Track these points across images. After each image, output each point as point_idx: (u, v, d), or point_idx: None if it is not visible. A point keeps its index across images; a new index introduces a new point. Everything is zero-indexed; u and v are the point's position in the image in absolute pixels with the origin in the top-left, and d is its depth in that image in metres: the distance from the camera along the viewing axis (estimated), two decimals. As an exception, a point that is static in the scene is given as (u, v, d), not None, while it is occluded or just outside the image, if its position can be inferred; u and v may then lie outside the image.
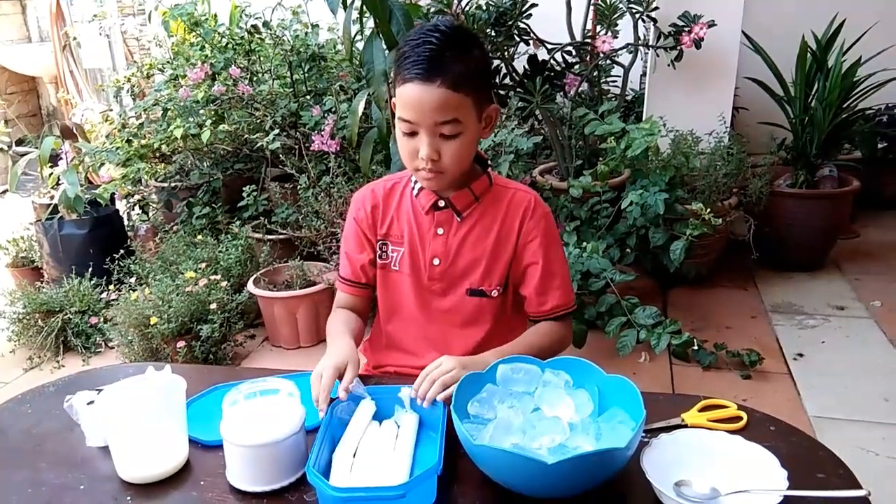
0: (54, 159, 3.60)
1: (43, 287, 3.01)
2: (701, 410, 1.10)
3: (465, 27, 1.42)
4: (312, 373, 1.11)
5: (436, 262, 1.30)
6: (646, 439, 0.97)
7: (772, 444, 0.94)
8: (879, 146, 3.79)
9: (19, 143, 5.58)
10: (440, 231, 1.29)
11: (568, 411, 0.99)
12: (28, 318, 2.82)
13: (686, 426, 1.06)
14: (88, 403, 1.11)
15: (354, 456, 0.98)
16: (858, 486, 0.89)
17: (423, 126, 1.16)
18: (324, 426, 1.00)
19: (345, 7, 2.50)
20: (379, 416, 1.08)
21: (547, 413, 1.00)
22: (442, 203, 1.29)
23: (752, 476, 0.90)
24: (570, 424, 0.97)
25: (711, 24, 2.84)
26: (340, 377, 1.10)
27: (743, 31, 3.08)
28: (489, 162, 1.35)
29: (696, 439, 0.97)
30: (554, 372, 1.05)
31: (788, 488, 0.86)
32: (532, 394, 1.04)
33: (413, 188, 1.32)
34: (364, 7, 2.44)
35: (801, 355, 2.53)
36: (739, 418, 1.08)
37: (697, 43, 2.85)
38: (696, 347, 2.41)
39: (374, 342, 1.45)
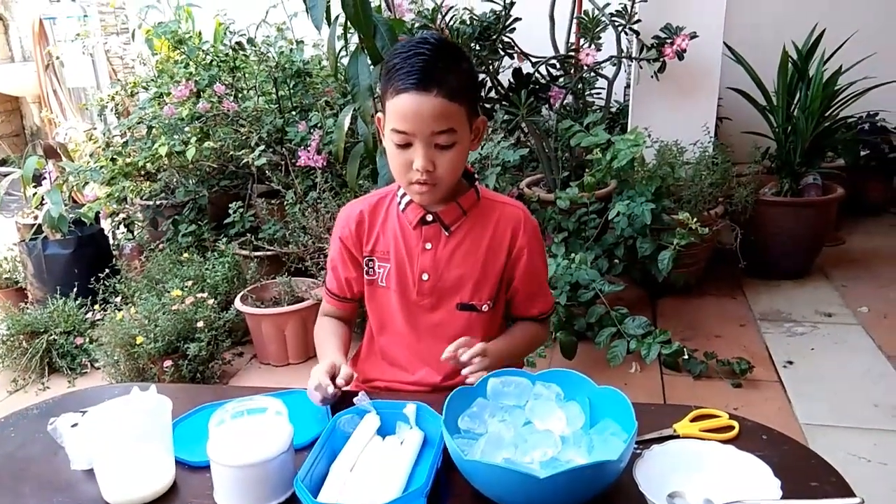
0: (38, 179, 3.57)
1: (27, 308, 2.97)
2: (693, 420, 1.09)
3: (451, 41, 1.43)
4: (310, 382, 1.16)
5: (424, 277, 1.28)
6: (638, 451, 0.96)
7: (764, 454, 0.94)
8: (862, 153, 3.84)
9: (2, 163, 5.54)
10: (428, 246, 1.28)
11: (559, 424, 0.98)
12: (12, 339, 2.78)
13: (678, 437, 1.05)
14: (73, 426, 1.09)
15: (351, 471, 0.97)
16: (852, 494, 0.88)
17: (419, 136, 1.15)
18: (323, 439, 0.99)
19: (329, 23, 2.50)
20: (383, 432, 1.06)
21: (538, 426, 0.99)
22: (430, 217, 1.27)
23: (745, 486, 0.89)
24: (561, 437, 0.96)
25: (693, 36, 2.87)
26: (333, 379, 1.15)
27: (725, 43, 3.12)
28: (476, 176, 1.34)
29: (688, 450, 0.96)
30: (545, 384, 1.04)
31: (782, 497, 0.85)
32: (523, 407, 1.03)
33: (399, 203, 1.30)
34: (349, 23, 2.45)
35: (790, 363, 2.54)
36: (731, 427, 1.07)
37: (680, 54, 2.87)
38: (686, 357, 2.41)
39: (364, 355, 1.43)
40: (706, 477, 0.92)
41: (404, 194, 1.29)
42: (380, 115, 1.25)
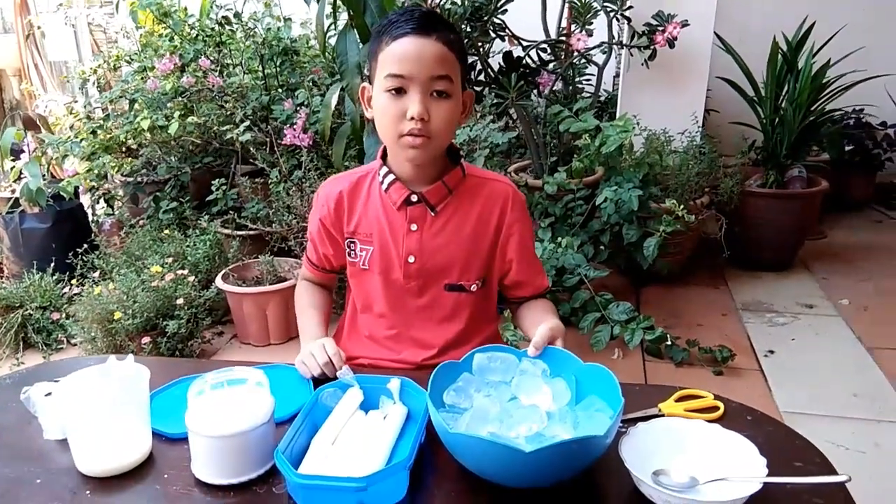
0: (16, 153, 3.49)
1: (2, 282, 2.91)
2: (678, 401, 1.09)
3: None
4: (304, 354, 1.18)
5: (411, 259, 1.24)
6: (623, 429, 0.95)
7: (749, 434, 0.93)
8: (846, 148, 3.87)
9: (-21, 136, 5.42)
10: (414, 227, 1.24)
11: (545, 400, 0.97)
12: (-14, 313, 2.73)
13: (663, 416, 1.05)
14: (46, 395, 1.06)
15: (333, 444, 0.95)
16: (836, 473, 0.88)
17: (417, 81, 1.12)
18: (304, 412, 0.97)
19: (318, -1, 2.47)
20: (365, 406, 1.04)
21: (524, 402, 0.98)
22: (414, 198, 1.23)
23: (730, 464, 0.88)
24: (547, 413, 0.95)
25: (685, 24, 2.86)
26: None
27: (715, 32, 3.11)
28: (461, 153, 1.31)
29: (674, 428, 0.96)
30: (531, 361, 1.03)
31: (767, 476, 0.85)
32: (509, 383, 1.02)
33: (382, 182, 1.25)
34: (338, 0, 2.41)
35: (771, 352, 2.55)
36: (716, 408, 1.07)
37: (671, 42, 2.86)
38: (669, 343, 2.42)
39: (347, 333, 1.40)
40: (691, 455, 0.92)
41: (387, 173, 1.24)
42: (365, 85, 1.22)
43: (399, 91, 1.13)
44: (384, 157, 1.26)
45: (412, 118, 1.12)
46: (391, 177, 1.24)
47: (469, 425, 0.93)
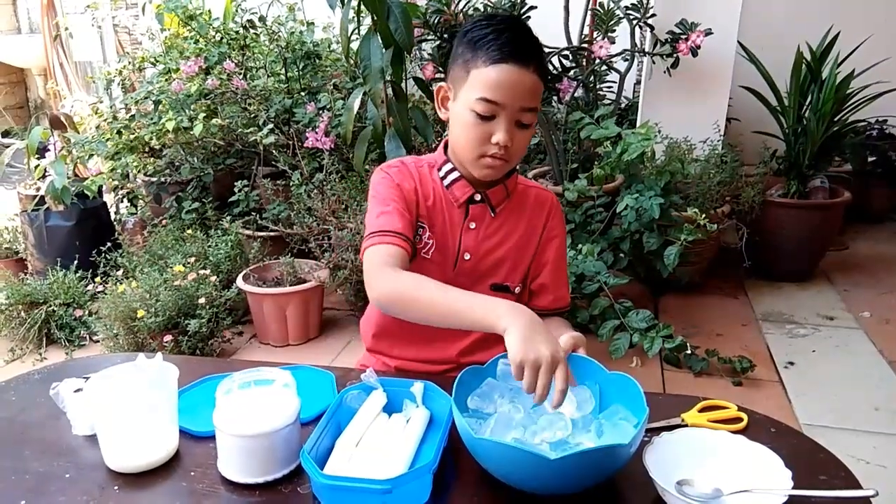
0: (42, 151, 3.55)
1: (27, 278, 2.95)
2: (700, 411, 1.09)
3: None
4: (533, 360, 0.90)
5: (466, 256, 1.26)
6: (647, 438, 0.95)
7: (773, 446, 0.93)
8: (869, 159, 3.83)
9: (5, 134, 5.51)
10: (472, 226, 1.25)
11: (569, 407, 0.97)
12: (11, 309, 2.77)
13: (686, 426, 1.04)
14: (76, 391, 1.08)
15: (357, 446, 0.96)
16: (861, 488, 0.87)
17: (508, 109, 1.12)
18: (329, 413, 0.98)
19: (342, 4, 2.49)
20: (389, 409, 1.05)
21: (548, 409, 0.98)
22: (478, 197, 1.25)
23: (755, 476, 0.88)
24: (571, 421, 0.95)
25: (708, 33, 2.85)
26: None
27: (738, 41, 3.10)
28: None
29: (698, 438, 0.95)
30: None
31: (792, 488, 0.84)
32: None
33: (444, 179, 1.26)
34: (362, 5, 2.43)
35: (791, 363, 2.53)
36: (739, 419, 1.07)
37: (694, 51, 2.85)
38: (688, 352, 2.40)
39: (377, 324, 1.36)
40: (715, 466, 0.91)
41: (452, 169, 1.24)
42: (443, 85, 1.22)
43: (489, 116, 1.13)
44: (445, 150, 1.27)
45: (496, 143, 1.14)
46: (455, 174, 1.25)
47: (493, 431, 0.93)
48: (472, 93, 1.13)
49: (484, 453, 0.88)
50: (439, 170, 1.27)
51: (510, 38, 1.11)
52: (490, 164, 1.17)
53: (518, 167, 1.30)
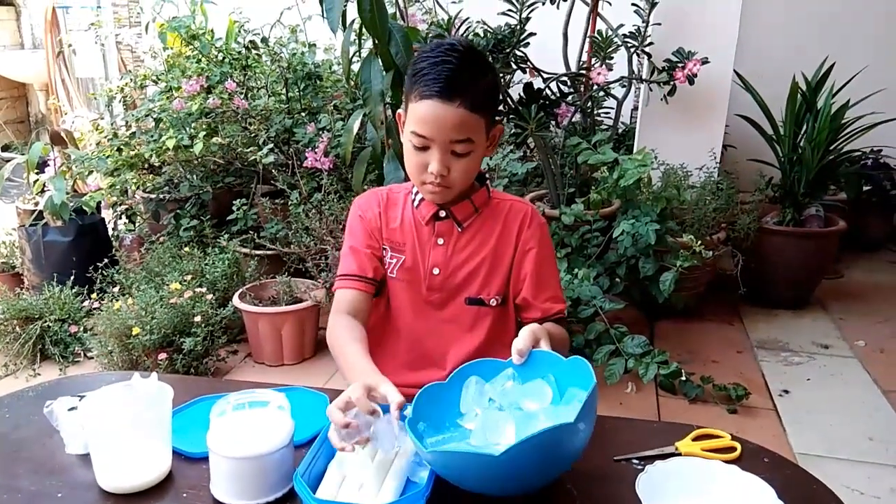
0: (41, 166, 3.56)
1: (22, 293, 2.95)
2: (694, 440, 1.09)
3: (478, 49, 1.42)
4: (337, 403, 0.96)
5: (436, 271, 1.30)
6: (640, 466, 0.95)
7: (766, 476, 0.93)
8: (864, 188, 3.86)
9: (5, 148, 5.52)
10: (440, 241, 1.30)
11: (533, 405, 0.98)
12: (5, 324, 2.76)
13: (680, 454, 1.05)
14: (70, 409, 1.08)
15: (349, 470, 0.95)
16: (855, 521, 0.88)
17: (437, 143, 1.17)
18: (322, 436, 0.98)
19: (344, 27, 2.51)
20: None
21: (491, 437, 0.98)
22: (443, 213, 1.30)
23: (748, 506, 0.88)
24: (532, 415, 0.95)
25: (705, 61, 2.89)
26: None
27: (735, 70, 3.14)
28: (487, 176, 1.35)
29: (691, 468, 0.96)
30: (494, 382, 1.05)
31: (785, 520, 0.85)
32: (492, 401, 1.03)
33: (413, 199, 1.32)
34: (363, 28, 2.46)
35: (786, 392, 2.53)
36: (733, 449, 1.07)
37: (690, 79, 2.89)
38: (683, 378, 2.40)
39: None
40: (709, 495, 0.92)
41: (418, 192, 1.31)
42: (401, 111, 1.26)
43: (422, 147, 1.19)
44: None
45: (431, 173, 1.19)
46: (421, 195, 1.30)
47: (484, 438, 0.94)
48: (409, 125, 1.20)
49: (439, 466, 0.89)
50: (412, 193, 1.33)
51: (438, 74, 1.14)
52: (431, 191, 1.23)
53: (489, 183, 1.34)
